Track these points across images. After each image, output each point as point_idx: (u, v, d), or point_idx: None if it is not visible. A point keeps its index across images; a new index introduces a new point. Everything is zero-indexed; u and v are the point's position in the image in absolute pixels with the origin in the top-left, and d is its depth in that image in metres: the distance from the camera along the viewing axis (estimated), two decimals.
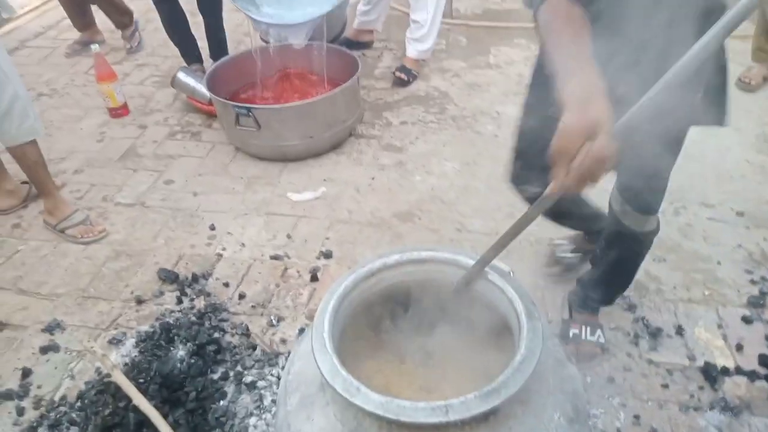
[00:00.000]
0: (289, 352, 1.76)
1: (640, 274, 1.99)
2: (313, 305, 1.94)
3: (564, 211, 1.74)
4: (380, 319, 1.20)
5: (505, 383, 0.84)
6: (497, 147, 2.74)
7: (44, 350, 1.82)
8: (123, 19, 3.77)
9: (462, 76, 3.34)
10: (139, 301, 1.97)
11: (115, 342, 1.81)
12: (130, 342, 1.80)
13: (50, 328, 1.90)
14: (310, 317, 1.90)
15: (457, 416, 0.81)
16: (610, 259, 1.62)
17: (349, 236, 2.24)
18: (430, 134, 2.80)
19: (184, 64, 3.25)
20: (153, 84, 3.43)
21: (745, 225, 2.20)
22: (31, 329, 1.91)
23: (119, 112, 3.10)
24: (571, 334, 1.73)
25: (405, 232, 2.24)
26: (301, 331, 1.84)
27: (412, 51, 3.25)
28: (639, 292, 1.93)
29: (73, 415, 1.59)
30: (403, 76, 3.22)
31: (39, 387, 1.71)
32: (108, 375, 1.63)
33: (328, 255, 2.16)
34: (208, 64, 3.24)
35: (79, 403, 1.62)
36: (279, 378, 1.68)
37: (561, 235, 2.04)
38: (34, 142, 2.21)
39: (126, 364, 1.71)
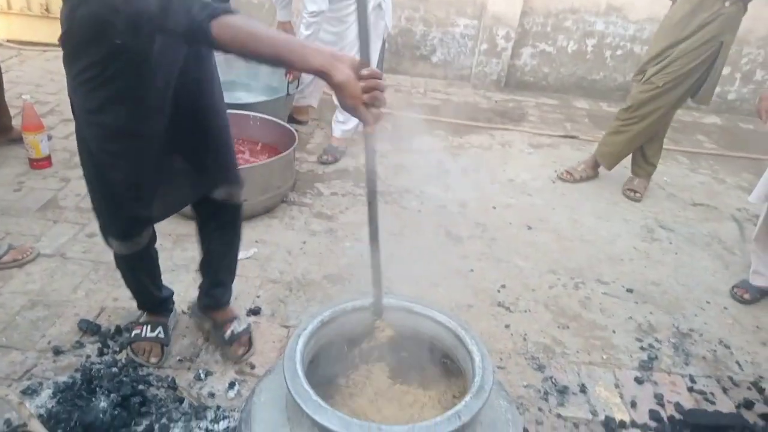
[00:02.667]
0: (218, 406, 1.75)
1: (547, 339, 2.21)
2: (243, 360, 1.95)
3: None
4: (334, 361, 1.29)
5: (468, 406, 0.98)
6: (420, 221, 2.96)
7: None
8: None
9: (389, 157, 3.60)
10: (57, 352, 1.88)
11: (30, 392, 1.71)
12: (47, 393, 1.71)
13: None
14: (241, 372, 1.90)
15: None
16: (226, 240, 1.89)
17: (280, 295, 2.29)
18: (359, 206, 2.98)
19: None
20: None
21: (634, 300, 2.51)
22: None
23: (41, 163, 3.03)
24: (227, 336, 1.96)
25: (335, 293, 2.33)
26: (231, 385, 1.83)
27: (337, 131, 3.51)
28: (547, 354, 2.12)
29: None
30: (328, 158, 3.46)
31: None
32: (22, 425, 1.53)
33: (257, 312, 2.19)
34: None
35: None
36: (207, 431, 1.66)
37: None
38: None
39: (41, 416, 1.61)
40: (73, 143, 3.29)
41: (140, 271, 1.86)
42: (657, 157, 3.43)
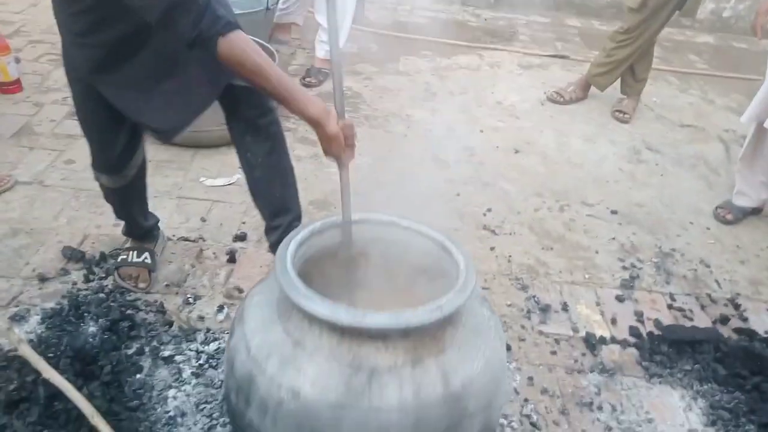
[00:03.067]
0: (208, 329, 1.78)
1: (531, 260, 2.24)
2: (231, 285, 1.96)
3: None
4: (321, 271, 1.33)
5: (450, 300, 1.05)
6: (406, 145, 2.92)
7: None
8: None
9: (374, 79, 3.49)
10: (43, 279, 1.88)
11: (18, 318, 1.71)
12: (35, 319, 1.71)
13: None
14: (229, 296, 1.91)
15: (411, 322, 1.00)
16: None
17: None
18: None
19: None
20: (49, 62, 3.23)
21: (618, 222, 2.54)
22: None
23: (11, 88, 2.90)
24: None
25: (320, 218, 2.31)
26: (220, 308, 1.85)
27: (321, 52, 3.37)
28: (530, 275, 2.16)
29: None
30: (311, 80, 3.33)
31: None
32: (12, 350, 1.55)
33: (243, 238, 2.18)
34: None
35: None
36: (198, 352, 1.69)
37: None
38: None
39: (31, 341, 1.62)
40: (44, 66, 3.19)
41: (130, 204, 1.86)
42: (647, 73, 3.36)
